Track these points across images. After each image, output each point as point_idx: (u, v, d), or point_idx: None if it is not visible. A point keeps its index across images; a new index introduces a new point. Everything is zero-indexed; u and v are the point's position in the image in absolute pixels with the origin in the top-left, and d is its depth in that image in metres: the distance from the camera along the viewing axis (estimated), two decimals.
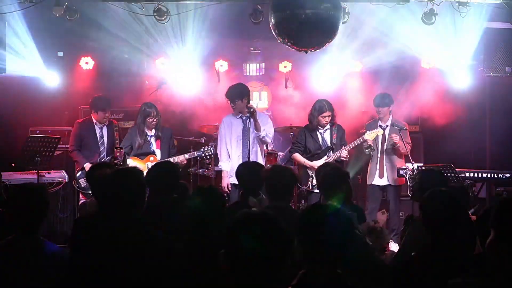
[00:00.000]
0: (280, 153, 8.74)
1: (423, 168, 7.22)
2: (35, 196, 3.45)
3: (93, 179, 4.87)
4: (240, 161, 6.88)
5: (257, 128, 6.96)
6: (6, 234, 3.59)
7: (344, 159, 7.19)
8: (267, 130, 7.11)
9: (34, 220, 3.42)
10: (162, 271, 3.19)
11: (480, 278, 2.72)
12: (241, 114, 7.11)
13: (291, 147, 7.56)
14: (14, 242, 3.38)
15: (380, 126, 7.53)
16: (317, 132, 7.27)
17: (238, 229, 2.27)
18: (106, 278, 3.08)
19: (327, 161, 6.99)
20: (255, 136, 7.03)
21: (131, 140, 7.29)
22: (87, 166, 7.23)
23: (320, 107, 7.16)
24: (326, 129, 7.26)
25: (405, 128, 7.61)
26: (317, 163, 6.88)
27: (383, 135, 7.54)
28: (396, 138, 7.42)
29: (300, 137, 7.37)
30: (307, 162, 7.16)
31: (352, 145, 7.25)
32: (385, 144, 7.56)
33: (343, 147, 7.17)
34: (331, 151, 7.17)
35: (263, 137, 7.04)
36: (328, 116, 7.17)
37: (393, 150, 7.57)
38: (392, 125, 7.60)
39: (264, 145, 7.43)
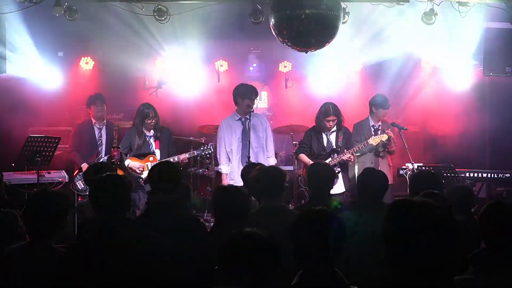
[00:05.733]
0: (281, 154, 8.74)
1: (420, 169, 7.19)
2: (52, 202, 3.45)
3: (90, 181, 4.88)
4: (241, 163, 6.88)
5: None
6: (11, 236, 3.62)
7: (348, 160, 7.14)
8: (269, 136, 7.19)
9: (49, 226, 3.41)
10: (157, 272, 3.19)
11: (486, 274, 2.74)
12: (240, 116, 7.09)
13: (297, 147, 7.54)
14: (27, 247, 3.39)
15: (373, 126, 7.49)
16: (323, 134, 7.24)
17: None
18: (104, 280, 3.08)
19: (330, 163, 6.98)
20: (255, 138, 7.02)
21: (130, 141, 7.28)
22: (84, 166, 7.27)
23: (326, 110, 7.12)
24: (332, 132, 7.23)
25: (405, 128, 7.57)
26: None
27: (377, 135, 7.48)
28: (390, 133, 7.38)
29: (306, 138, 7.35)
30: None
31: (355, 148, 7.21)
32: (385, 148, 7.51)
33: (347, 150, 7.13)
34: (335, 154, 7.14)
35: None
36: (333, 120, 7.12)
37: (386, 149, 7.54)
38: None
39: None
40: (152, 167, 4.58)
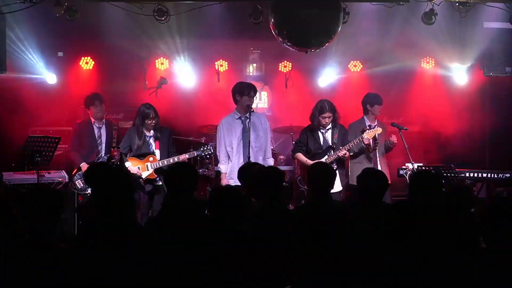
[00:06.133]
0: (281, 156, 8.73)
1: (419, 169, 7.18)
2: (50, 199, 3.45)
3: (91, 181, 4.88)
4: (241, 162, 6.88)
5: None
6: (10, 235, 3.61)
7: (344, 157, 7.14)
8: (268, 138, 7.22)
9: (47, 223, 3.40)
10: (155, 269, 3.20)
11: (485, 274, 2.75)
12: (240, 115, 7.09)
13: (294, 147, 7.53)
14: (26, 244, 3.39)
15: (370, 126, 7.48)
16: (319, 132, 7.23)
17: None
18: (107, 278, 3.08)
19: (327, 160, 6.98)
20: (255, 137, 7.03)
21: (129, 141, 7.26)
22: (83, 166, 7.27)
23: (321, 108, 7.12)
24: (328, 129, 7.21)
25: (405, 128, 7.56)
26: None
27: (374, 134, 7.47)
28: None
29: (302, 137, 7.33)
30: (309, 162, 7.11)
31: (351, 144, 7.20)
32: (377, 143, 7.50)
33: (342, 146, 7.13)
34: (331, 151, 7.14)
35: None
36: (329, 117, 7.10)
37: (386, 148, 7.54)
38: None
39: None
40: (170, 168, 4.57)
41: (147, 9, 7.77)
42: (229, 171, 7.09)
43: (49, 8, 7.59)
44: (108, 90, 8.65)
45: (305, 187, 7.24)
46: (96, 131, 7.66)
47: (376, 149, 7.36)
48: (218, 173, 7.45)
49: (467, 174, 7.77)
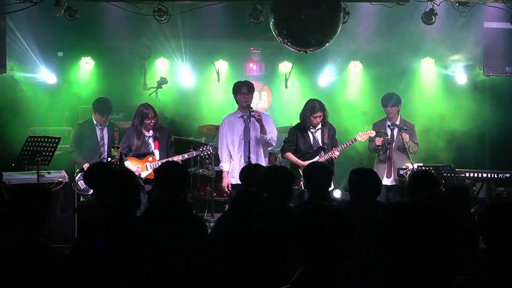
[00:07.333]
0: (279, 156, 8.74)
1: (419, 168, 7.19)
2: (37, 196, 3.43)
3: (91, 181, 4.89)
4: (242, 161, 6.89)
5: (263, 132, 6.97)
6: (6, 234, 3.59)
7: (335, 157, 7.20)
8: (272, 132, 7.15)
9: (35, 221, 3.39)
10: (161, 271, 3.19)
11: (486, 274, 2.74)
12: (242, 114, 7.10)
13: (282, 146, 7.53)
14: (14, 242, 3.37)
15: (388, 126, 7.52)
16: (308, 131, 7.26)
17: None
18: (108, 279, 3.08)
19: (318, 161, 6.99)
20: (260, 139, 7.02)
21: (128, 141, 7.26)
22: (86, 167, 7.24)
23: (312, 107, 7.15)
24: (318, 129, 7.26)
25: (405, 128, 7.56)
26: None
27: (392, 134, 7.52)
28: (406, 137, 7.39)
29: (291, 136, 7.35)
30: (300, 161, 7.15)
31: (344, 145, 7.26)
32: (393, 144, 7.52)
33: (335, 148, 7.17)
34: (322, 152, 7.18)
35: (269, 139, 7.06)
36: (320, 116, 7.15)
37: (403, 149, 7.53)
38: (392, 125, 7.58)
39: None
40: (160, 167, 4.58)
41: (147, 9, 7.77)
42: (230, 169, 7.09)
43: (49, 8, 7.58)
44: (108, 90, 8.65)
45: (295, 186, 7.24)
46: (98, 132, 7.63)
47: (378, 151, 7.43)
48: (218, 173, 7.45)
49: (467, 174, 7.76)
